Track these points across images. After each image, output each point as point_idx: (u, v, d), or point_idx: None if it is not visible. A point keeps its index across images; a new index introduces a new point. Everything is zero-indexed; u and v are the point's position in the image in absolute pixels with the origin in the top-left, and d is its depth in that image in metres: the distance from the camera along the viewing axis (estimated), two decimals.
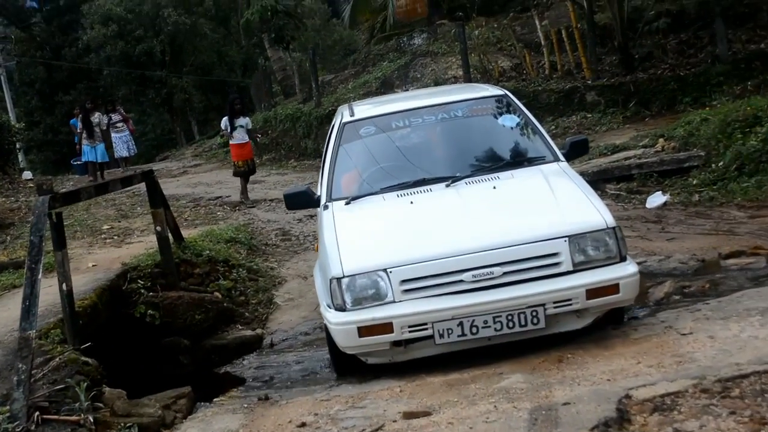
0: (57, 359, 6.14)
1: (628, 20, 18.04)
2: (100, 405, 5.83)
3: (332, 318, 5.78)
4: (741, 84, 15.45)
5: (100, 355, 6.74)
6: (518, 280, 5.56)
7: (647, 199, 11.23)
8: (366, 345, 5.72)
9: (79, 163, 23.37)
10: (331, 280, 5.77)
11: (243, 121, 16.41)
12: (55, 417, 5.39)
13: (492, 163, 6.83)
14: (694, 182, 11.40)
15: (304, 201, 7.09)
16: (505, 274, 5.54)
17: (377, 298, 5.64)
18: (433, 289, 5.60)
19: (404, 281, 5.60)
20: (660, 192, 11.30)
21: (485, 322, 5.49)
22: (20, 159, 29.28)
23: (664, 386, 4.60)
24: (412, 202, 6.35)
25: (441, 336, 5.54)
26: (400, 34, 27.09)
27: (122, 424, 5.66)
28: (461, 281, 5.55)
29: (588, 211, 5.85)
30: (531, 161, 6.84)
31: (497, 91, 7.79)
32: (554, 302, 5.51)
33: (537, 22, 20.53)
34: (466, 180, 6.51)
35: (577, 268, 5.58)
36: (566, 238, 5.59)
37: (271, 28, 30.09)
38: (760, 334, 5.24)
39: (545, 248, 5.59)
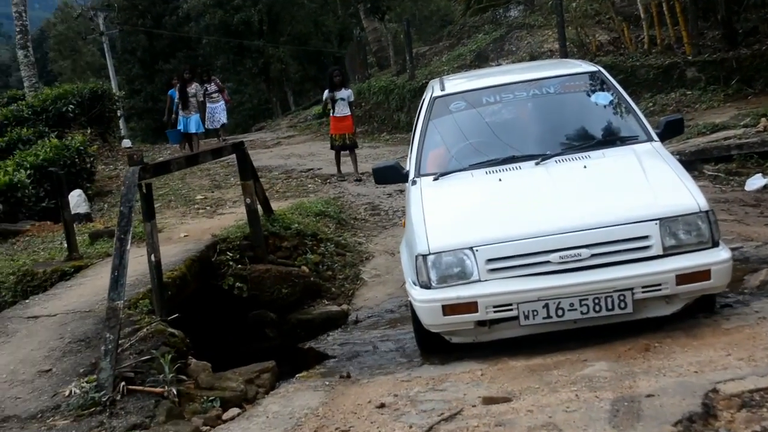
0: (144, 330, 6.24)
1: None
2: (184, 377, 5.93)
3: (417, 295, 5.77)
4: None
5: (187, 327, 6.82)
6: (606, 263, 5.45)
7: (746, 182, 10.86)
8: (450, 323, 5.69)
9: (174, 131, 23.67)
10: (416, 256, 5.76)
11: (344, 93, 15.88)
12: (140, 388, 5.47)
13: (583, 142, 6.71)
14: None
15: (392, 175, 7.11)
16: (593, 256, 5.45)
17: (463, 276, 5.60)
18: (520, 269, 5.53)
19: (490, 260, 5.55)
20: (760, 174, 10.91)
21: (571, 304, 5.42)
22: (121, 127, 29.87)
23: (753, 381, 4.45)
24: (500, 180, 6.27)
25: (526, 317, 5.47)
26: (496, 5, 26.81)
27: (205, 397, 5.75)
28: (548, 262, 5.48)
29: (681, 193, 5.69)
30: (623, 141, 6.69)
31: (591, 67, 7.64)
32: (643, 287, 5.40)
33: None
34: (556, 158, 6.40)
35: (668, 252, 5.44)
36: (657, 221, 5.46)
37: None
38: None
39: (635, 231, 5.46)
